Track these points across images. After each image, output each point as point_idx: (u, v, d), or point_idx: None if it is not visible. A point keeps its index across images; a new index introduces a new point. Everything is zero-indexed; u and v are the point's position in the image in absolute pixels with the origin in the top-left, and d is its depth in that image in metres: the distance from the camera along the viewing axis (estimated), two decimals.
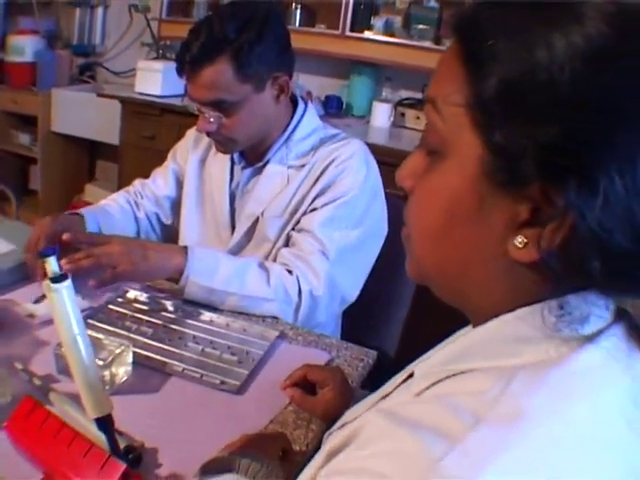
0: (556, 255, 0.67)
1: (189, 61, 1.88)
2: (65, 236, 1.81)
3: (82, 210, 2.12)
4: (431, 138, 0.76)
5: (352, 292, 2.04)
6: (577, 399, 0.67)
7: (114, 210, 2.23)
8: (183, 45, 1.90)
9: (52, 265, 1.05)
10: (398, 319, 2.34)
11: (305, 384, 1.47)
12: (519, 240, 0.69)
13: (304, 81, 4.42)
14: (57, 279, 1.04)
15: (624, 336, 0.72)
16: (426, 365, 0.84)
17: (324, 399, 1.43)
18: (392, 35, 4.15)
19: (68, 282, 1.05)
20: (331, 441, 0.80)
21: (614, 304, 0.73)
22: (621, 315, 0.74)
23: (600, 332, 0.71)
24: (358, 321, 2.20)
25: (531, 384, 0.67)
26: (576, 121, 0.63)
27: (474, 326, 0.80)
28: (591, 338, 0.70)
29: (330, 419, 1.35)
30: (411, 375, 0.88)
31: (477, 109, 0.70)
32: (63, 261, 1.70)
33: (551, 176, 0.65)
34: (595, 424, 0.66)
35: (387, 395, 0.91)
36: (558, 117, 0.64)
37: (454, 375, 0.75)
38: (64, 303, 1.05)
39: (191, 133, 2.32)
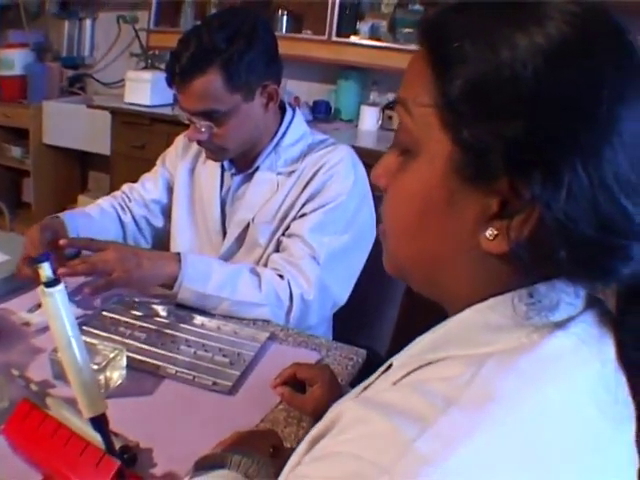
0: (525, 245, 0.69)
1: (179, 72, 1.89)
2: (62, 241, 1.84)
3: (64, 214, 2.14)
4: (403, 138, 0.79)
5: (342, 295, 2.06)
6: (547, 383, 0.69)
7: (94, 212, 2.24)
8: (172, 56, 1.92)
9: (46, 270, 1.08)
10: (388, 319, 2.36)
11: (295, 382, 1.49)
12: (489, 232, 0.72)
13: (292, 87, 4.44)
14: (51, 283, 1.07)
15: (595, 322, 0.75)
16: (404, 355, 0.86)
17: (313, 397, 1.45)
18: (378, 39, 4.18)
19: (61, 286, 1.08)
20: (313, 430, 0.83)
21: (586, 292, 0.75)
22: (593, 302, 0.77)
23: (571, 319, 0.73)
24: (349, 322, 2.21)
25: (501, 369, 0.69)
26: (538, 117, 0.66)
27: (450, 317, 0.82)
28: (561, 325, 0.72)
29: (320, 416, 1.38)
30: (391, 366, 0.90)
31: (445, 109, 0.72)
32: (60, 270, 1.73)
33: (517, 170, 0.68)
34: (565, 407, 0.68)
35: (369, 386, 0.93)
36: (521, 114, 0.67)
37: (429, 363, 0.78)
38: (58, 306, 1.07)
39: (180, 140, 2.33)
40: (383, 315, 2.36)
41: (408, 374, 0.79)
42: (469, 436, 0.63)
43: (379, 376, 0.92)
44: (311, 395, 1.46)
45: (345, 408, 0.76)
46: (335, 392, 1.44)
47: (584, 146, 0.66)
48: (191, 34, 1.92)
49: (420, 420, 0.65)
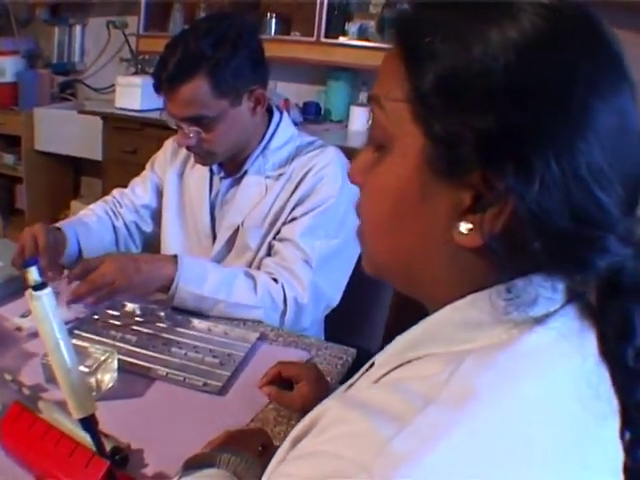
0: (499, 239, 0.69)
1: (166, 79, 1.90)
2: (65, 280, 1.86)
3: (61, 224, 2.16)
4: (376, 134, 0.79)
5: (335, 297, 2.08)
6: (525, 378, 0.68)
7: (91, 221, 2.26)
8: (159, 62, 1.93)
9: (33, 274, 1.10)
10: (380, 318, 2.36)
11: (281, 381, 1.51)
12: (463, 226, 0.71)
13: (281, 89, 4.44)
14: (38, 287, 1.09)
15: (576, 316, 0.74)
16: (385, 354, 0.85)
17: (300, 394, 1.46)
18: (367, 39, 4.17)
19: (48, 290, 1.10)
20: (296, 428, 0.83)
21: (567, 286, 0.74)
22: (574, 296, 0.75)
23: (550, 314, 0.72)
24: (341, 323, 2.22)
25: (480, 366, 0.69)
26: (510, 110, 0.66)
27: (430, 315, 0.81)
28: (540, 320, 0.72)
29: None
30: (373, 364, 0.89)
31: (417, 102, 0.73)
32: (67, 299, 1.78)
33: (490, 163, 0.68)
34: (545, 402, 0.68)
35: (352, 385, 0.92)
36: (493, 107, 0.67)
37: (409, 361, 0.77)
38: (46, 309, 1.09)
39: (168, 144, 2.35)
40: (374, 314, 2.36)
41: (388, 373, 0.79)
42: (447, 433, 0.63)
43: (362, 375, 0.92)
44: (298, 392, 1.47)
45: (326, 408, 0.76)
46: (322, 388, 1.45)
47: (557, 138, 0.66)
48: (178, 40, 1.93)
49: (398, 419, 0.65)
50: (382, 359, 0.86)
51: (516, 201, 0.67)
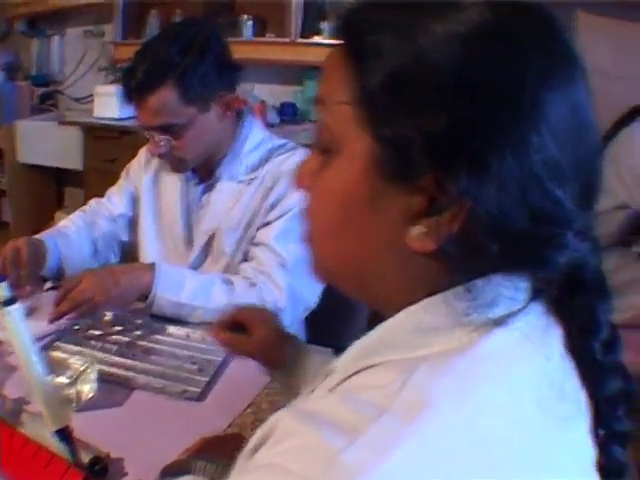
0: (454, 242, 0.67)
1: (135, 88, 1.92)
2: (50, 318, 1.85)
3: (42, 235, 2.18)
4: (323, 137, 0.76)
5: (313, 298, 2.08)
6: (484, 382, 0.66)
7: (71, 231, 2.26)
8: (128, 70, 1.94)
9: (4, 290, 1.12)
10: (361, 319, 2.36)
11: (236, 327, 1.42)
12: (416, 231, 0.69)
13: (258, 90, 4.44)
14: (8, 302, 1.11)
15: (541, 314, 0.72)
16: (343, 359, 0.82)
17: (258, 336, 1.39)
18: None
19: (18, 305, 1.12)
20: (252, 439, 0.78)
21: (531, 283, 0.72)
22: (538, 293, 0.73)
23: (513, 313, 0.70)
24: (321, 325, 2.22)
25: (435, 372, 0.66)
26: (460, 107, 0.64)
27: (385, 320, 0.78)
28: (501, 321, 0.69)
29: (269, 358, 1.37)
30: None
31: (363, 104, 0.70)
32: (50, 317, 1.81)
33: (442, 165, 0.65)
34: (503, 406, 0.65)
35: (314, 391, 0.87)
36: (442, 104, 0.65)
37: (363, 369, 0.74)
38: (16, 324, 1.11)
39: (142, 152, 2.35)
40: (355, 315, 2.36)
41: (343, 381, 0.75)
42: (402, 442, 0.60)
43: (322, 381, 0.87)
44: (256, 335, 1.39)
45: (280, 418, 0.72)
46: (281, 332, 1.42)
47: (509, 134, 0.64)
48: (146, 47, 1.95)
49: (349, 431, 0.61)
50: (339, 364, 0.82)
51: (471, 203, 0.65)
